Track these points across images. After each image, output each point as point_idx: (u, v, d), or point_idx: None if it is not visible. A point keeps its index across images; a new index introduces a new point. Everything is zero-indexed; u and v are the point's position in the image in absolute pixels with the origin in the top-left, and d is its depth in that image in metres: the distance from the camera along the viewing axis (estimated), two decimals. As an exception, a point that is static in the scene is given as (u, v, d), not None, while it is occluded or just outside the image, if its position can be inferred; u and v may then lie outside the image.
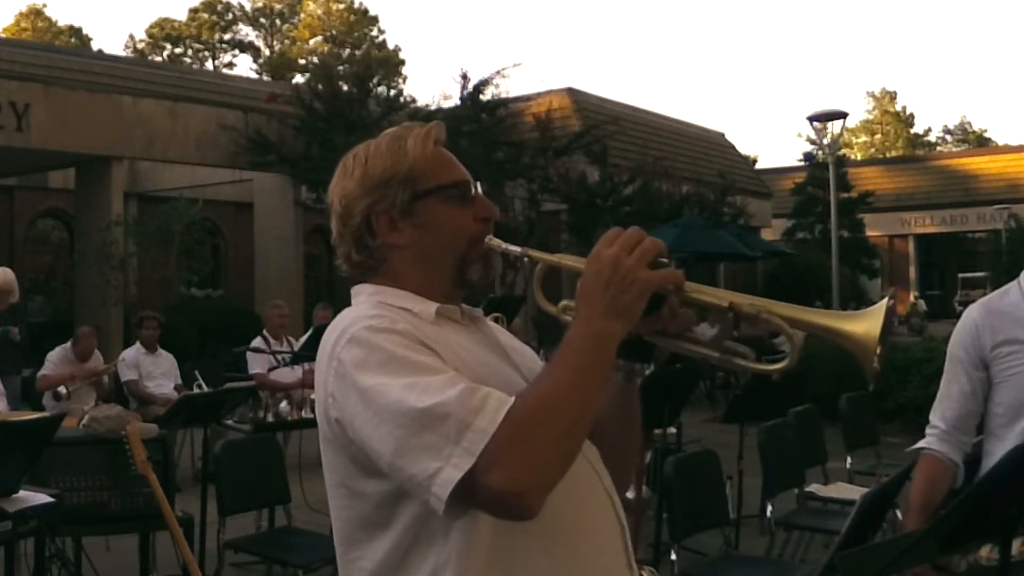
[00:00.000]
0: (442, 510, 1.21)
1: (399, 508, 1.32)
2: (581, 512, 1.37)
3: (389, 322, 1.34)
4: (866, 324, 1.27)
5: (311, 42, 48.72)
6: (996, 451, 2.50)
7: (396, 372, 1.27)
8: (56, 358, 7.41)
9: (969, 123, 62.41)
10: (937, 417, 2.62)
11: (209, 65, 47.37)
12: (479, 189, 1.52)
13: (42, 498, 3.54)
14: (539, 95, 20.23)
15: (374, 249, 1.48)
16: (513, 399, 1.23)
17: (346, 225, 1.48)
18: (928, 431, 2.63)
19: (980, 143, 55.88)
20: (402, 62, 47.75)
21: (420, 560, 1.32)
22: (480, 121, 17.49)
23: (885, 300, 1.33)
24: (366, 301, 1.46)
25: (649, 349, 1.43)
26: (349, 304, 1.49)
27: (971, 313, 2.63)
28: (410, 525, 1.31)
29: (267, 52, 49.66)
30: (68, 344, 7.52)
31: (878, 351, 1.26)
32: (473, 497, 1.21)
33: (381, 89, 18.44)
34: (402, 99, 18.23)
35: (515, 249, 1.48)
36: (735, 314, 1.32)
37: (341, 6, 48.60)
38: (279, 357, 7.53)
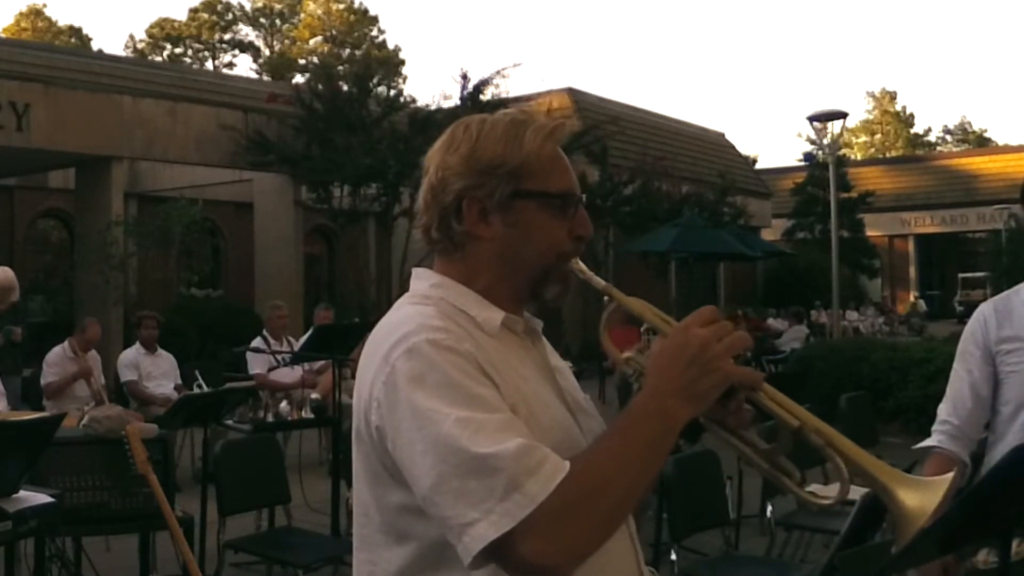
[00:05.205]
0: (468, 563, 1.18)
1: (421, 523, 1.26)
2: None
3: (455, 340, 1.27)
4: (922, 498, 1.22)
5: (311, 42, 48.73)
6: (996, 450, 2.50)
7: (451, 400, 1.21)
8: (55, 359, 7.28)
9: (969, 123, 62.60)
10: (946, 413, 2.56)
11: (209, 65, 47.37)
12: (583, 204, 1.42)
13: (42, 498, 3.53)
14: (539, 95, 20.21)
15: (456, 233, 1.38)
16: (568, 467, 1.18)
17: (435, 199, 1.39)
18: (937, 428, 2.57)
19: (980, 143, 55.92)
20: (402, 62, 47.82)
21: None
22: (480, 121, 17.47)
23: (952, 474, 1.26)
24: (425, 296, 1.38)
25: (698, 430, 1.36)
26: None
27: (981, 309, 2.62)
28: (431, 544, 1.26)
29: (267, 52, 49.66)
30: (65, 343, 7.38)
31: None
32: (500, 556, 1.17)
33: (381, 89, 18.38)
34: (402, 99, 18.17)
35: (598, 282, 1.40)
36: (798, 436, 1.28)
37: (341, 6, 48.60)
38: (279, 357, 7.53)
